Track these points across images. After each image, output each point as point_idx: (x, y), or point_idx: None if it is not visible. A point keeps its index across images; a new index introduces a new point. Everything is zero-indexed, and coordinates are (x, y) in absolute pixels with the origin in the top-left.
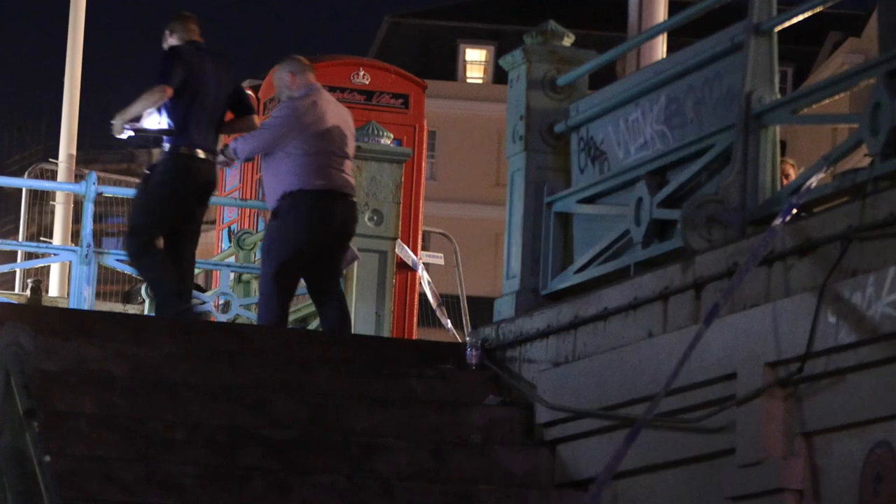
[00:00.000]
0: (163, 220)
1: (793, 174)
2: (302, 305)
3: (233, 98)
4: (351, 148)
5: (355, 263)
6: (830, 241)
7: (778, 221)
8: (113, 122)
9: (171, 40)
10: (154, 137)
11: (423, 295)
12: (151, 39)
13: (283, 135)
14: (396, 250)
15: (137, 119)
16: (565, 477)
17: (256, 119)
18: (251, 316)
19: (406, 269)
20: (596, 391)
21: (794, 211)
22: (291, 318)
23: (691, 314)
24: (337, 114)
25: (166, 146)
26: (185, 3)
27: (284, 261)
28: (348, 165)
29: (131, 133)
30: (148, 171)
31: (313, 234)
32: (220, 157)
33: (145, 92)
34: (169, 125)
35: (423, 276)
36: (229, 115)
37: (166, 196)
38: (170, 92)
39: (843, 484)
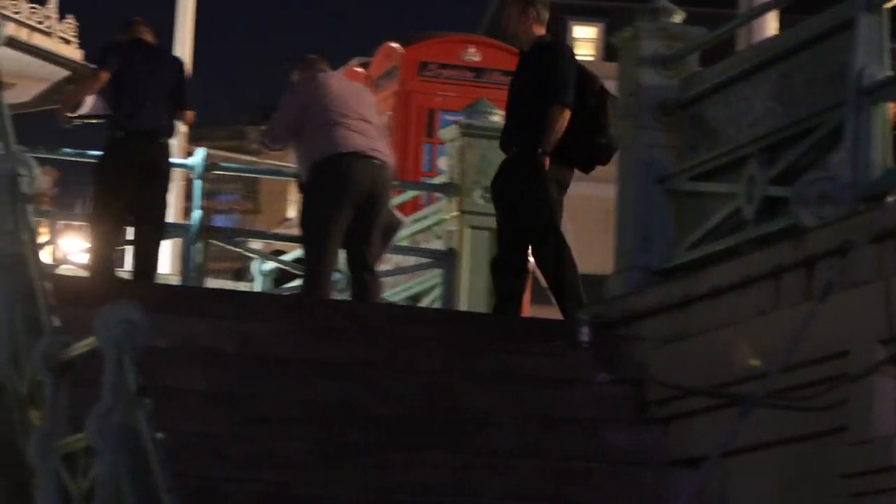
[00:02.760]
0: (108, 204)
1: None
2: (413, 283)
3: (174, 90)
4: (371, 114)
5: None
6: None
7: (891, 198)
8: (56, 115)
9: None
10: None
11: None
12: (262, 18)
13: (291, 112)
14: None
15: (78, 107)
16: (679, 454)
17: (189, 115)
18: None
19: None
20: (707, 369)
21: None
22: (402, 295)
23: (803, 291)
24: (345, 85)
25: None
26: None
27: (316, 230)
28: (371, 130)
29: (73, 124)
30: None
31: (339, 196)
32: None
33: (81, 80)
34: (105, 111)
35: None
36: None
37: (101, 180)
38: (104, 76)
39: None
